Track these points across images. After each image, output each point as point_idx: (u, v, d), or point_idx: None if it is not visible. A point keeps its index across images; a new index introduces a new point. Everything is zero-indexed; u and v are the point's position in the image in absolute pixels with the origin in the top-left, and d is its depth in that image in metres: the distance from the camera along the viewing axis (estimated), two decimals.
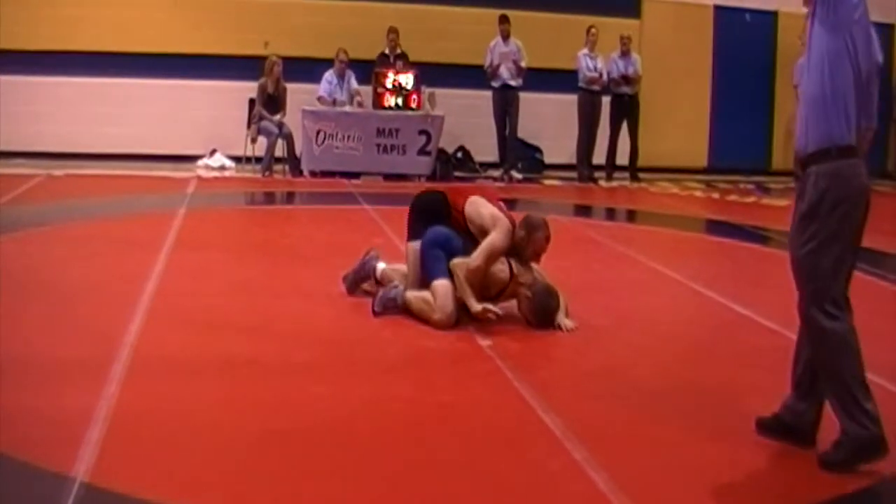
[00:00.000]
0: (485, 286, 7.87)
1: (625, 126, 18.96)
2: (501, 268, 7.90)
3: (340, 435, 5.40)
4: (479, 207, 8.21)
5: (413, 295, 7.94)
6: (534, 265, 8.12)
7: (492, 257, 7.79)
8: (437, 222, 8.19)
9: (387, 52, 18.27)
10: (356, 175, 17.20)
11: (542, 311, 7.83)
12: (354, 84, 17.88)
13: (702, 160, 20.83)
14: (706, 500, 4.86)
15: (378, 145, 17.39)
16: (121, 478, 4.63)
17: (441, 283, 7.75)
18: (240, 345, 6.92)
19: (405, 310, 7.91)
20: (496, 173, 18.39)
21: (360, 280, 8.56)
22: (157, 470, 4.79)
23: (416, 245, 8.16)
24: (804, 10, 5.39)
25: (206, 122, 18.01)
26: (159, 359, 6.51)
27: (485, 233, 7.93)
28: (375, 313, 7.93)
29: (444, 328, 7.62)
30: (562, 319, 7.85)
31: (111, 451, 4.91)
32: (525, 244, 7.97)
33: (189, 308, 7.87)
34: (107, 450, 4.92)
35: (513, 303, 7.99)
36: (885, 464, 5.14)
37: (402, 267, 8.44)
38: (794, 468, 5.27)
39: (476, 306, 7.66)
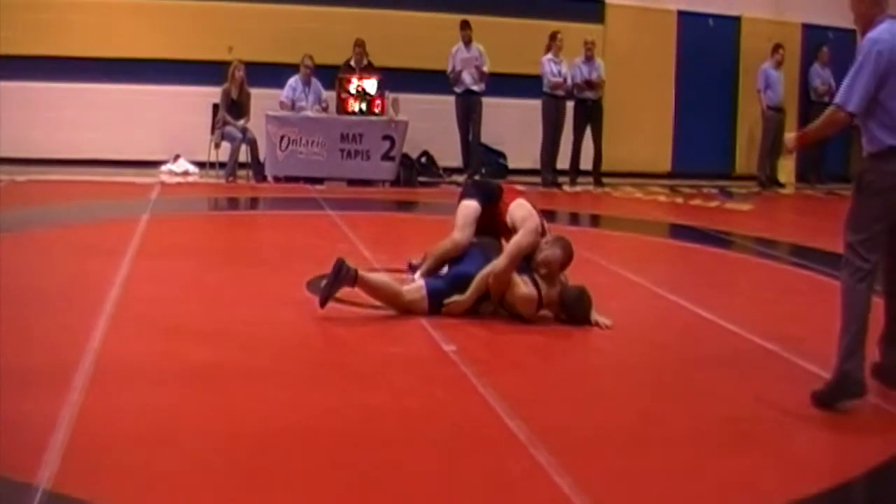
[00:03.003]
0: (515, 313, 8.15)
1: (588, 131, 19.00)
2: (529, 293, 8.05)
3: (304, 441, 5.39)
4: (520, 208, 8.58)
5: (377, 276, 8.29)
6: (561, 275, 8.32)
7: (517, 256, 8.11)
8: (487, 199, 8.77)
9: (352, 63, 18.24)
10: (320, 180, 17.21)
11: (577, 315, 8.08)
12: (322, 91, 17.87)
13: (665, 165, 20.92)
14: None
15: (342, 150, 17.40)
16: (84, 484, 4.60)
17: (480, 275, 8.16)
18: (203, 351, 6.89)
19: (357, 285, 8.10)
20: (460, 178, 18.37)
21: (335, 288, 8.46)
22: (121, 476, 4.76)
23: (470, 202, 8.77)
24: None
25: (169, 127, 17.96)
26: (123, 365, 6.47)
27: (515, 229, 8.32)
28: (323, 303, 8.01)
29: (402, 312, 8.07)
30: (596, 317, 8.06)
31: (75, 457, 4.88)
32: (542, 249, 8.18)
33: (152, 314, 7.83)
34: (70, 457, 4.88)
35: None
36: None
37: (381, 276, 8.51)
38: (760, 471, 5.29)
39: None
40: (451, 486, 4.92)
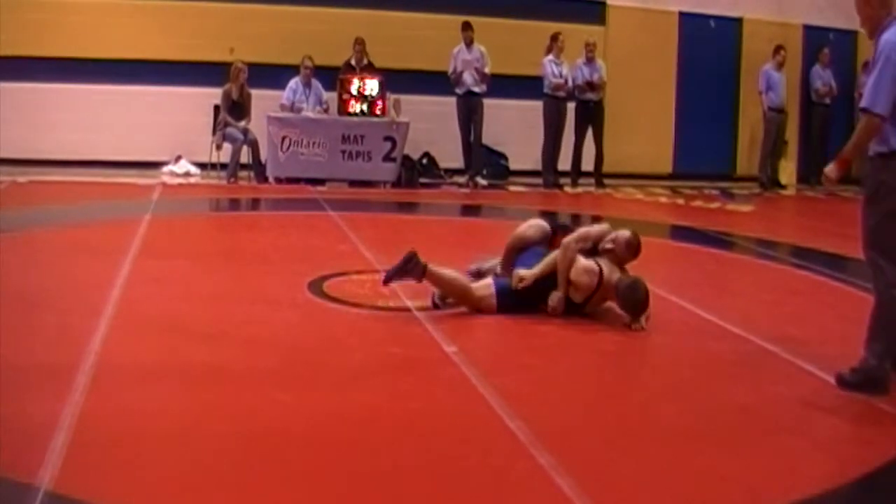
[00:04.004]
0: (575, 299, 8.33)
1: (590, 132, 19.02)
2: (591, 264, 8.24)
3: (305, 442, 5.39)
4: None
5: (447, 271, 8.40)
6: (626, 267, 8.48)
7: (584, 235, 8.57)
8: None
9: (353, 62, 18.26)
10: (321, 181, 17.21)
11: (629, 303, 8.18)
12: (322, 92, 17.88)
13: (667, 166, 20.91)
14: None
15: (343, 152, 17.39)
16: (85, 485, 4.60)
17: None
18: (204, 352, 6.89)
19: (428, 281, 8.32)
20: (461, 180, 18.41)
21: (401, 276, 8.47)
22: (122, 477, 4.77)
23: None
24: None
25: (171, 128, 17.95)
26: (124, 366, 6.48)
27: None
28: (385, 282, 8.30)
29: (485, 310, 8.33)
30: (643, 320, 8.17)
31: (76, 458, 4.89)
32: (612, 238, 8.43)
33: (154, 315, 7.84)
34: (71, 457, 4.89)
35: None
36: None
37: (451, 271, 8.57)
38: (761, 471, 5.30)
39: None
40: (452, 488, 4.92)
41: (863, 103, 6.45)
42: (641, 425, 6.00)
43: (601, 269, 8.21)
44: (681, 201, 17.59)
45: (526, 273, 8.36)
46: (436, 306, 8.50)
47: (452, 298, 8.44)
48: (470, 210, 15.93)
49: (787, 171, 20.94)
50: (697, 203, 17.43)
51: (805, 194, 20.24)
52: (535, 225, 9.07)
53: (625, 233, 8.44)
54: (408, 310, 8.34)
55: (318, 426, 5.67)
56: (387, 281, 8.29)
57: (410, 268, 8.16)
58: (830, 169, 6.68)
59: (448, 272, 8.43)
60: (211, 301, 8.54)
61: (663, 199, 17.67)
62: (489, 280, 8.58)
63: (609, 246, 8.34)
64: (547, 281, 8.33)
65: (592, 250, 8.40)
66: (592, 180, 18.94)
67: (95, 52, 17.65)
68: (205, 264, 10.19)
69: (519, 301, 8.36)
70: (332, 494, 4.76)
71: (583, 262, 8.25)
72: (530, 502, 4.81)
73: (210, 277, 9.55)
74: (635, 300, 8.12)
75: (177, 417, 5.66)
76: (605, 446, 5.61)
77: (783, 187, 20.54)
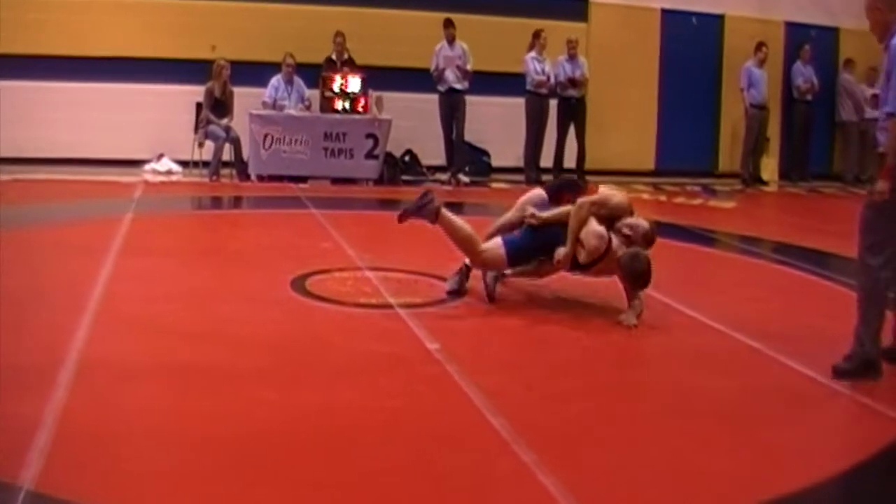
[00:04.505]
0: (576, 250, 8.39)
1: (572, 129, 19.05)
2: (601, 230, 8.35)
3: (288, 441, 5.39)
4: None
5: (459, 221, 8.66)
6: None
7: (600, 200, 8.64)
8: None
9: (333, 57, 18.24)
10: (303, 179, 17.18)
11: (631, 274, 8.23)
12: (305, 90, 17.87)
13: (649, 163, 20.92)
14: (653, 502, 4.89)
15: (325, 149, 17.36)
16: (68, 485, 4.60)
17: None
18: (187, 350, 6.88)
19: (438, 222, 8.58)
20: (444, 177, 18.38)
21: (416, 214, 8.70)
22: (105, 477, 4.76)
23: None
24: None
25: (153, 126, 17.87)
26: (107, 365, 6.47)
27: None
28: (400, 219, 8.64)
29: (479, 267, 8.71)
30: (628, 315, 8.23)
31: (58, 458, 4.88)
32: (630, 225, 8.55)
33: (136, 313, 7.82)
34: (54, 457, 4.88)
35: None
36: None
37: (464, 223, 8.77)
38: (742, 468, 5.31)
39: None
40: (434, 486, 4.92)
41: (889, 108, 6.53)
42: (624, 421, 6.01)
43: (610, 239, 8.30)
44: (663, 198, 17.59)
45: (539, 214, 8.54)
46: (491, 298, 8.75)
47: (459, 248, 8.65)
48: (452, 207, 15.77)
49: (769, 167, 20.97)
50: (680, 200, 17.45)
51: (787, 190, 20.26)
52: (533, 195, 9.23)
53: (644, 224, 8.54)
54: (391, 307, 8.35)
55: (301, 424, 5.66)
56: (402, 218, 8.61)
57: (425, 204, 8.44)
58: (882, 184, 6.65)
59: (460, 221, 8.65)
60: (194, 299, 8.53)
61: (646, 196, 17.66)
62: (497, 239, 8.71)
63: (627, 232, 8.40)
64: (555, 233, 8.47)
65: (606, 222, 8.46)
66: (575, 177, 18.94)
67: (77, 49, 17.57)
68: (187, 262, 10.16)
69: (527, 253, 8.61)
70: (315, 492, 4.76)
71: (595, 225, 8.35)
72: (513, 500, 4.82)
73: (193, 275, 9.53)
74: (638, 271, 8.17)
75: (160, 416, 5.66)
76: (589, 443, 5.62)
77: (765, 184, 20.57)
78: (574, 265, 8.46)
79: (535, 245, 8.59)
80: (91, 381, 6.11)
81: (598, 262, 8.32)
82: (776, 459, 5.46)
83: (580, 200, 8.48)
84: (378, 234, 12.57)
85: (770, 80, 20.56)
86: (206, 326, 7.59)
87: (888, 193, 6.62)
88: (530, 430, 5.56)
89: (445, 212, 8.49)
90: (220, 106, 17.21)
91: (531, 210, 8.64)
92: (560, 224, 8.46)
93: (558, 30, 19.07)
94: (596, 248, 8.26)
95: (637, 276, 8.18)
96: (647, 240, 8.45)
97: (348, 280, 9.31)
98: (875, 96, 20.87)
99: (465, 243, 8.52)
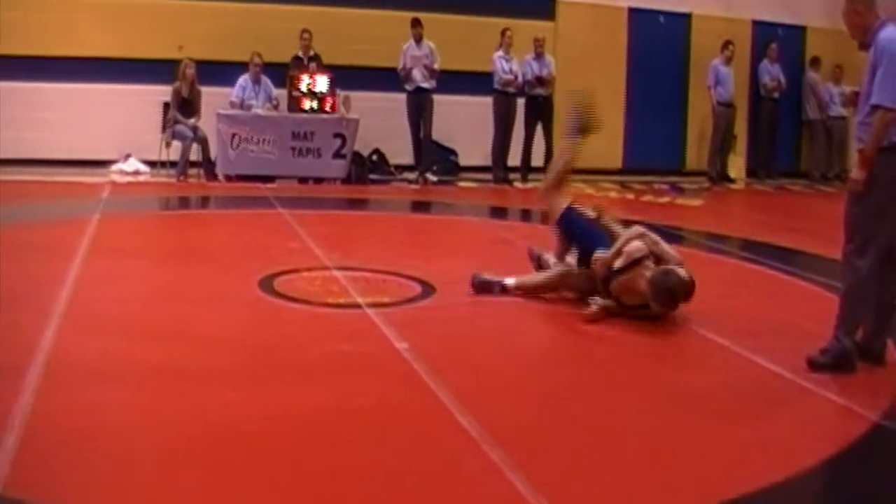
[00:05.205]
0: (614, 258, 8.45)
1: (539, 128, 19.07)
2: (641, 244, 8.49)
3: (257, 441, 5.38)
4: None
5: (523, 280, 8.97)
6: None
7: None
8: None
9: (300, 54, 18.23)
10: (271, 179, 17.15)
11: (661, 287, 8.09)
12: (272, 89, 17.84)
13: (617, 161, 20.95)
14: (624, 500, 4.90)
15: (293, 149, 17.34)
16: (35, 487, 4.58)
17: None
18: (156, 351, 6.86)
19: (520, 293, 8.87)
20: (411, 176, 18.40)
21: (485, 289, 8.95)
22: (73, 478, 4.74)
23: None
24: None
25: (120, 126, 17.79)
26: (75, 366, 6.44)
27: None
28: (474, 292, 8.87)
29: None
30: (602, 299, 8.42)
31: (25, 459, 4.86)
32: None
33: (104, 314, 7.79)
34: (21, 458, 4.86)
35: None
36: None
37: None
38: (711, 466, 5.33)
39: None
40: (403, 485, 4.92)
41: (875, 100, 6.69)
42: (593, 420, 6.02)
43: (645, 257, 8.37)
44: (631, 196, 17.64)
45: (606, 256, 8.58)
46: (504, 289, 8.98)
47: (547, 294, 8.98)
48: (420, 206, 15.89)
49: (737, 165, 21.08)
50: (647, 198, 17.49)
51: (754, 188, 20.35)
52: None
53: (685, 274, 8.34)
54: (359, 306, 8.34)
55: (269, 424, 5.65)
56: (475, 284, 8.98)
57: (492, 290, 8.90)
58: (857, 172, 6.79)
59: (526, 279, 9.06)
60: (161, 300, 8.51)
61: (613, 194, 17.69)
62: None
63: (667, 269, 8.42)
64: (602, 240, 8.79)
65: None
66: (542, 176, 18.94)
67: (42, 49, 17.46)
68: (155, 263, 10.13)
69: (575, 230, 9.08)
70: (282, 492, 4.75)
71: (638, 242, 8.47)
72: (483, 499, 4.82)
73: (160, 276, 9.50)
74: (669, 284, 8.04)
75: (128, 417, 5.64)
76: (557, 441, 5.62)
77: (732, 181, 20.66)
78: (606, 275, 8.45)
79: (584, 234, 8.92)
80: (59, 383, 6.07)
81: (628, 271, 8.26)
82: (743, 456, 5.48)
83: (640, 228, 8.74)
84: (346, 233, 12.57)
85: (737, 78, 20.66)
86: (175, 327, 7.57)
87: (862, 184, 6.72)
88: (499, 429, 5.56)
89: (510, 285, 8.94)
90: (187, 106, 17.16)
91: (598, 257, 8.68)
92: (609, 234, 8.76)
93: (526, 28, 19.12)
94: (638, 249, 8.28)
95: (666, 291, 8.06)
96: (686, 290, 8.31)
97: (316, 280, 9.30)
98: (843, 95, 21.06)
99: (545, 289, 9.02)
